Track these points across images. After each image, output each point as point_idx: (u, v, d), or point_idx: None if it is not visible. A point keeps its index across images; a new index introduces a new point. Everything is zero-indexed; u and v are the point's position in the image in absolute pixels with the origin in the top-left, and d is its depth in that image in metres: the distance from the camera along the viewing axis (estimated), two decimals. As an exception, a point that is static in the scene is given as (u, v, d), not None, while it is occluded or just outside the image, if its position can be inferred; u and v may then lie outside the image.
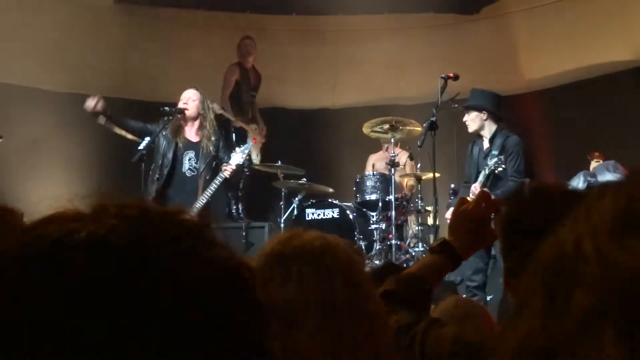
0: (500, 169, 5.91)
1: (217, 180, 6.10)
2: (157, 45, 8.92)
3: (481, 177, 5.99)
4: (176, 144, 6.29)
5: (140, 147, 6.15)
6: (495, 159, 5.94)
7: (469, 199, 6.08)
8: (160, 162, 6.28)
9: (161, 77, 8.63)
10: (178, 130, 6.33)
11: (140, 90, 8.70)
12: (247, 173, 8.40)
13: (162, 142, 6.30)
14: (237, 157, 6.14)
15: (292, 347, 1.35)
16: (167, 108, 6.36)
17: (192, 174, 6.24)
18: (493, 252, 5.91)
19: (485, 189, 5.73)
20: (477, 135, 6.33)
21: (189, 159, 6.28)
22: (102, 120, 6.27)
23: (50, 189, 7.75)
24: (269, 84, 8.92)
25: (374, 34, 9.51)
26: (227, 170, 6.08)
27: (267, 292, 1.37)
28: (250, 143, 6.97)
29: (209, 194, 6.08)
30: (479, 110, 6.26)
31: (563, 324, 0.63)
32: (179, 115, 6.32)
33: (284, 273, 1.39)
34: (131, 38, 8.75)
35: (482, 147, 6.29)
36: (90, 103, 6.21)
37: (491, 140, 6.22)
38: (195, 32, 9.24)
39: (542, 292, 0.67)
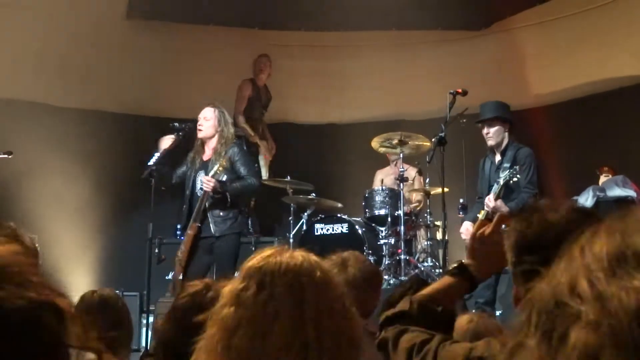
0: (515, 179, 5.87)
1: (202, 195, 6.02)
2: (168, 61, 8.97)
3: (495, 188, 5.94)
4: (195, 168, 6.25)
5: (150, 162, 6.14)
6: (510, 170, 5.90)
7: (482, 212, 5.99)
8: (186, 191, 6.25)
9: (172, 92, 8.68)
10: (199, 153, 6.28)
11: (151, 106, 8.76)
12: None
13: (189, 170, 6.27)
14: (214, 169, 6.01)
15: (261, 356, 1.41)
16: (176, 124, 6.33)
17: (202, 193, 6.18)
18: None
19: (503, 212, 5.70)
20: (490, 150, 6.29)
21: (200, 179, 6.22)
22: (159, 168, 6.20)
23: (59, 205, 7.80)
24: (277, 99, 8.96)
25: (383, 49, 9.55)
26: (205, 184, 5.97)
27: (241, 301, 1.46)
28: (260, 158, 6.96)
29: (197, 208, 5.98)
30: (504, 122, 6.20)
31: None
32: (198, 140, 6.26)
33: (259, 284, 1.48)
34: (142, 54, 8.80)
35: (494, 160, 6.25)
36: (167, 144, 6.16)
37: (502, 153, 6.19)
38: (205, 48, 9.29)
39: (538, 333, 0.67)
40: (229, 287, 1.52)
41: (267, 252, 1.55)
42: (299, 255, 1.54)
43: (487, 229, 1.94)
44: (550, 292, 0.68)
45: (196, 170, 6.19)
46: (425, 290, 1.93)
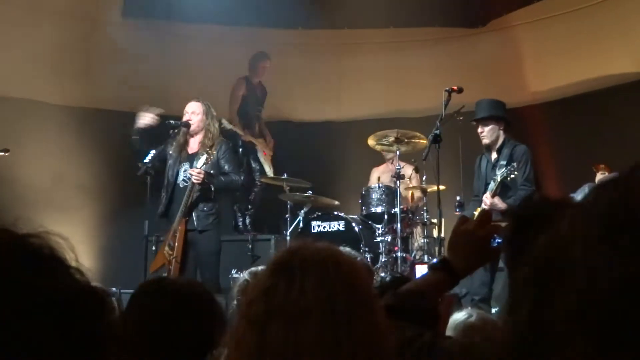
0: (512, 176, 5.89)
1: (189, 186, 6.07)
2: (165, 60, 8.96)
3: (492, 186, 5.96)
4: (179, 160, 6.29)
5: (146, 160, 6.16)
6: (507, 167, 5.92)
7: (479, 209, 6.03)
8: (166, 180, 6.29)
9: (169, 91, 8.66)
10: (183, 146, 6.32)
11: (147, 104, 8.72)
12: (259, 185, 8.43)
13: (169, 161, 6.30)
14: (202, 159, 6.07)
15: (294, 352, 1.40)
16: (172, 122, 6.37)
17: (185, 184, 6.20)
18: (501, 264, 5.88)
19: (486, 208, 5.72)
20: (486, 148, 6.31)
21: (184, 170, 6.26)
22: (136, 139, 6.23)
23: (54, 203, 7.79)
24: (274, 97, 8.96)
25: (380, 47, 9.55)
26: (194, 176, 6.02)
27: (271, 297, 1.45)
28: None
29: (185, 202, 6.05)
30: (498, 120, 6.22)
31: (546, 325, 0.63)
32: (184, 129, 6.31)
33: (288, 280, 1.46)
34: (139, 52, 8.79)
35: (490, 159, 6.27)
36: (147, 120, 6.15)
37: (499, 151, 6.20)
38: (202, 46, 9.28)
39: (535, 287, 0.66)
40: (257, 283, 1.51)
41: (293, 246, 1.55)
42: (325, 248, 1.53)
43: (470, 225, 1.94)
44: (550, 249, 0.67)
45: (180, 162, 6.25)
46: (409, 285, 1.92)
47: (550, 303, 0.64)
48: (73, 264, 0.85)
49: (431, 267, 1.95)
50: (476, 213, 6.05)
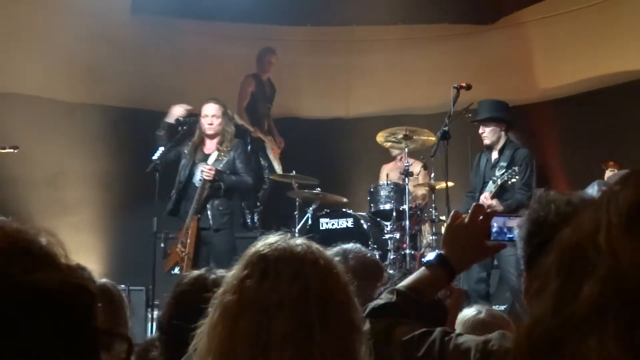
0: (513, 180, 5.91)
1: (200, 184, 6.16)
2: (173, 56, 8.97)
3: (492, 187, 5.98)
4: (194, 160, 6.37)
5: (154, 157, 6.20)
6: (509, 170, 5.94)
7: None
8: (178, 178, 6.37)
9: (177, 87, 8.67)
10: (199, 146, 6.40)
11: (157, 101, 8.75)
12: (268, 182, 8.45)
13: (182, 160, 6.39)
14: (213, 156, 6.20)
15: (264, 344, 1.41)
16: (181, 118, 6.41)
17: (201, 183, 6.26)
18: (495, 262, 5.92)
19: (479, 203, 5.71)
20: (487, 147, 6.34)
21: (201, 170, 6.32)
22: (161, 134, 6.34)
23: (63, 199, 7.82)
24: (283, 94, 8.96)
25: (388, 44, 9.53)
26: (206, 172, 6.11)
27: (244, 288, 1.45)
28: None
29: (197, 199, 6.13)
30: (499, 122, 6.24)
31: (571, 313, 0.63)
32: (198, 131, 6.37)
33: (262, 271, 1.47)
34: (147, 49, 8.80)
35: (490, 158, 6.30)
36: (180, 111, 6.29)
37: (500, 152, 6.23)
38: (210, 43, 9.29)
39: (560, 275, 0.67)
40: (232, 274, 1.51)
41: (271, 239, 1.54)
42: (303, 244, 1.53)
43: (464, 220, 1.92)
44: (575, 237, 0.67)
45: (195, 162, 6.32)
46: (406, 282, 1.90)
47: (576, 290, 0.64)
48: (63, 260, 0.86)
49: (427, 264, 1.92)
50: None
